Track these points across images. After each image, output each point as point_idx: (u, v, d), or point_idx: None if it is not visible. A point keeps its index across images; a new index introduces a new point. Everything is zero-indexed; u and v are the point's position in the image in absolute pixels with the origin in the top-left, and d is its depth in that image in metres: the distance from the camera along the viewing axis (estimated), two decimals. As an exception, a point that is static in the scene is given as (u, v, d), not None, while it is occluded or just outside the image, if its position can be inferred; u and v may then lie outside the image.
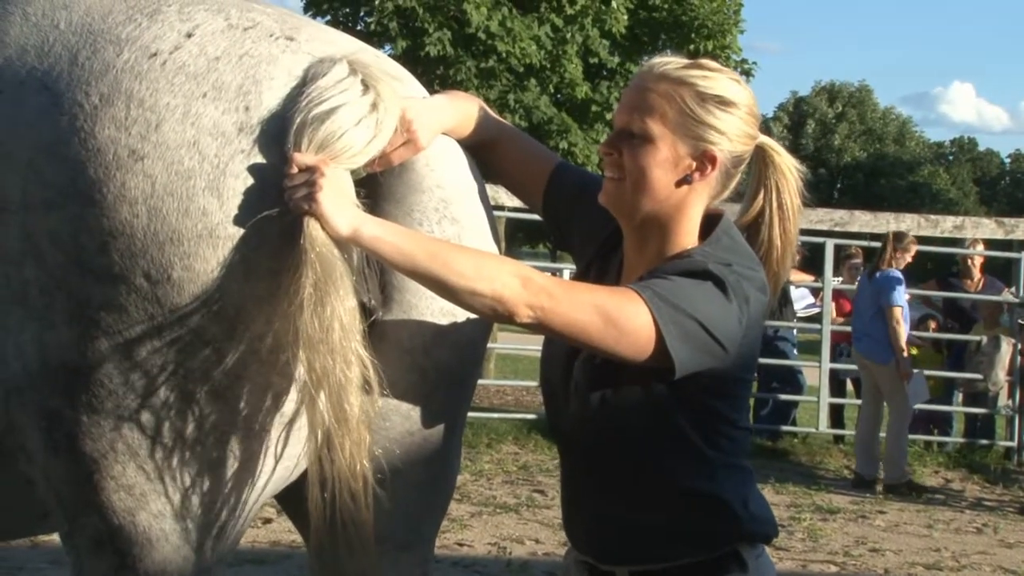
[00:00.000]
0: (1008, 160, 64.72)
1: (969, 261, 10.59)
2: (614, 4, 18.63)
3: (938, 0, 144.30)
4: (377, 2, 17.86)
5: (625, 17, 18.79)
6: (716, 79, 2.09)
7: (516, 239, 27.71)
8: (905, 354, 8.77)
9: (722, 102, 2.08)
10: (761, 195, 2.24)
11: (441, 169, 2.13)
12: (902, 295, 8.80)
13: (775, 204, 2.24)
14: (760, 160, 2.22)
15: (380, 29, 17.69)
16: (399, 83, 2.08)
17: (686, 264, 2.06)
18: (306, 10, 19.33)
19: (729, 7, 19.96)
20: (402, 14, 17.84)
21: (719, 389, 2.09)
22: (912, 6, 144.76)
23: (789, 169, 2.24)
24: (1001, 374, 9.60)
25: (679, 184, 2.09)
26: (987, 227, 10.92)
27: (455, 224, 2.12)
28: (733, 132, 2.10)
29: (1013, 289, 10.53)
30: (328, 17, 19.03)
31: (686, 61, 2.11)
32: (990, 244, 10.85)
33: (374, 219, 1.92)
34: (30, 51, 1.96)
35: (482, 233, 2.18)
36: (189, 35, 1.95)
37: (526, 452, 9.25)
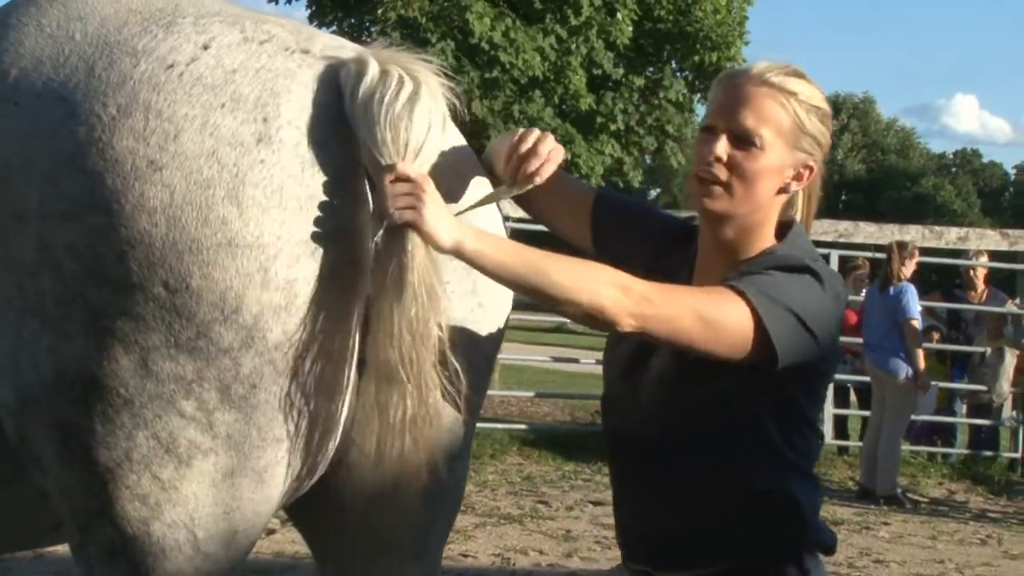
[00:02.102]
0: (1013, 172, 64.69)
1: (973, 272, 10.58)
2: (619, 15, 18.67)
3: (941, 12, 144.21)
4: (380, 12, 17.93)
5: (630, 28, 18.82)
6: (810, 87, 2.11)
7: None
8: (923, 366, 8.80)
9: (819, 111, 2.11)
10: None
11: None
12: (917, 307, 8.83)
13: (805, 195, 2.23)
14: None
15: (383, 39, 17.76)
16: (428, 65, 2.09)
17: (782, 259, 2.07)
18: (311, 20, 19.41)
19: (734, 19, 20.02)
20: (405, 24, 17.90)
21: (806, 383, 2.10)
22: (915, 18, 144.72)
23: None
24: (1005, 385, 9.57)
25: (778, 192, 2.11)
26: (991, 239, 10.94)
27: None
28: (824, 141, 2.13)
29: (1017, 300, 10.54)
30: (333, 27, 19.11)
31: (783, 67, 2.11)
32: (994, 256, 10.86)
33: (475, 231, 1.95)
34: (45, 62, 1.98)
35: None
36: (205, 47, 1.97)
37: (530, 463, 9.25)
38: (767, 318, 1.97)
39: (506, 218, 2.25)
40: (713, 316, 1.96)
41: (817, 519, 2.17)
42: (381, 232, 1.92)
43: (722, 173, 2.08)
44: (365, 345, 2.02)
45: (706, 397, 2.07)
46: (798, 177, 2.11)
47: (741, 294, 1.98)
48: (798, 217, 2.21)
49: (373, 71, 1.99)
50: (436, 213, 1.89)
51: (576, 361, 12.32)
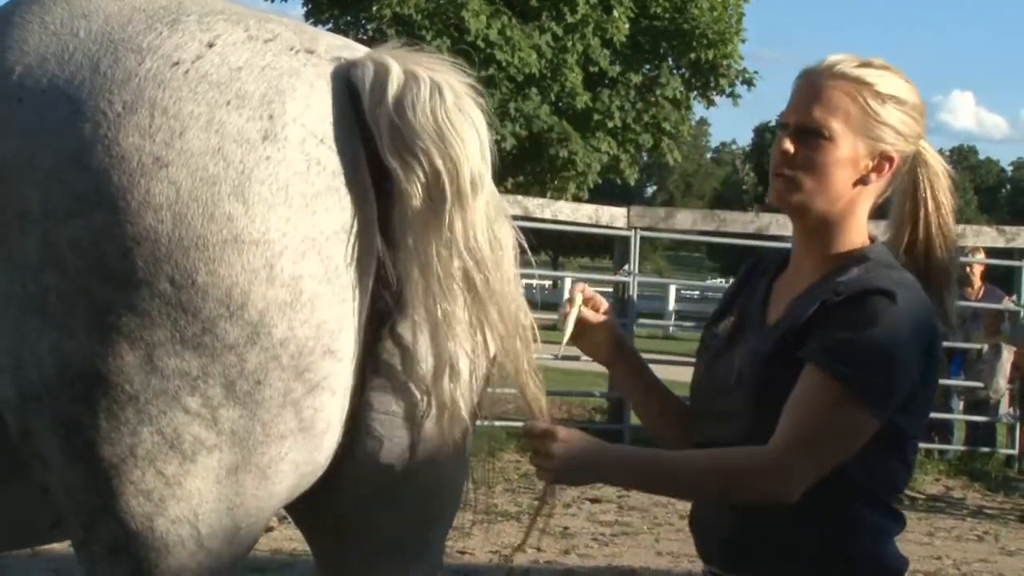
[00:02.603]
0: (1010, 168, 64.77)
1: (969, 269, 10.60)
2: (615, 13, 18.69)
3: (938, 9, 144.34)
4: (375, 9, 17.96)
5: (626, 26, 18.85)
6: (891, 79, 2.10)
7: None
8: None
9: (899, 102, 2.09)
10: (917, 193, 2.20)
11: None
12: None
13: (930, 202, 2.20)
14: (914, 159, 2.20)
15: (379, 36, 17.78)
16: (450, 64, 2.12)
17: (868, 282, 2.05)
18: (307, 17, 19.44)
19: (731, 16, 20.04)
20: (400, 22, 17.92)
21: (903, 404, 2.06)
22: (912, 15, 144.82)
23: (942, 168, 2.21)
24: (1002, 382, 9.62)
25: (855, 184, 2.10)
26: (988, 235, 10.96)
27: None
28: (908, 132, 2.11)
29: (1014, 297, 10.56)
30: (329, 24, 19.13)
31: (859, 59, 2.11)
32: (991, 252, 10.88)
33: (606, 458, 2.07)
34: (50, 59, 1.98)
35: None
36: (211, 45, 1.98)
37: (527, 460, 9.24)
38: (861, 395, 1.99)
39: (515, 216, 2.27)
40: (830, 438, 2.00)
41: (884, 548, 2.15)
42: None
43: (792, 168, 2.09)
44: (371, 342, 2.04)
45: (779, 406, 2.05)
46: (878, 168, 2.10)
47: (837, 380, 1.99)
48: (929, 225, 2.19)
49: (397, 72, 2.01)
50: (565, 467, 2.04)
51: (577, 359, 12.34)
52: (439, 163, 1.97)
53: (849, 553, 2.11)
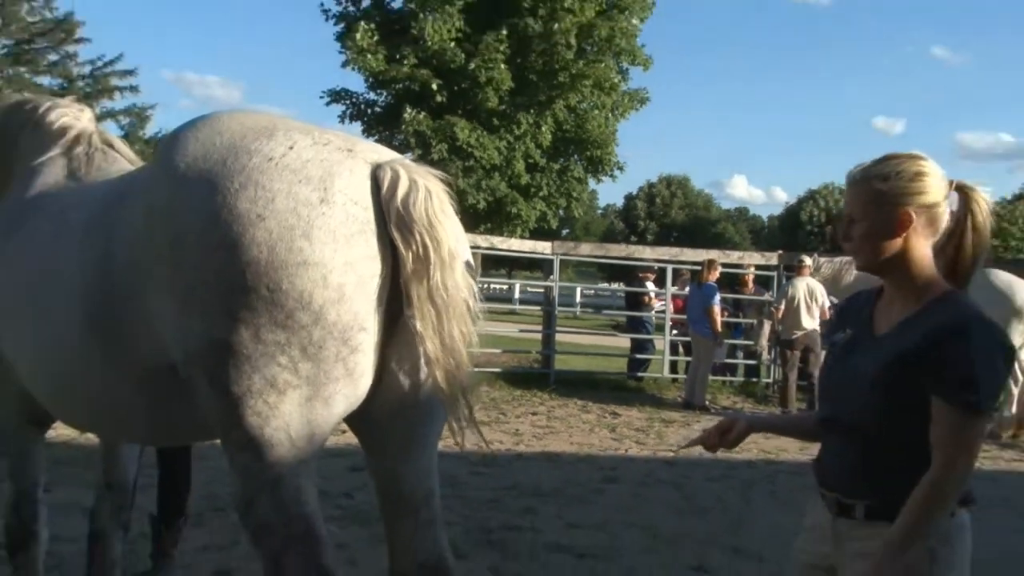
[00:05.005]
0: (767, 220, 65.55)
1: (746, 277, 10.76)
2: (543, 128, 18.79)
3: (722, 115, 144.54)
4: (404, 127, 17.88)
5: (549, 136, 18.95)
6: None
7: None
8: (720, 331, 8.98)
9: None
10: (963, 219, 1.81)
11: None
12: (718, 298, 9.08)
13: (970, 224, 1.80)
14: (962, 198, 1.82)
15: (405, 143, 17.84)
16: (438, 175, 2.05)
17: (971, 311, 1.70)
18: (364, 131, 19.22)
19: (610, 130, 20.19)
20: (418, 135, 17.92)
21: None
22: (702, 119, 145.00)
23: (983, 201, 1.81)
24: (763, 341, 9.73)
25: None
26: (755, 257, 11.09)
27: None
28: None
29: (769, 293, 10.67)
30: (376, 136, 19.00)
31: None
32: (758, 267, 11.02)
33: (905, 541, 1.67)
34: (199, 159, 1.94)
35: None
36: (291, 147, 1.94)
37: (495, 388, 9.17)
38: (987, 407, 1.67)
39: (475, 247, 2.21)
40: (977, 445, 1.70)
41: None
42: None
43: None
44: (387, 327, 2.00)
45: (905, 398, 1.73)
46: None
47: (970, 408, 1.67)
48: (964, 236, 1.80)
49: (405, 179, 1.96)
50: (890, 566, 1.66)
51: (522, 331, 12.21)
52: (427, 240, 1.93)
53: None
